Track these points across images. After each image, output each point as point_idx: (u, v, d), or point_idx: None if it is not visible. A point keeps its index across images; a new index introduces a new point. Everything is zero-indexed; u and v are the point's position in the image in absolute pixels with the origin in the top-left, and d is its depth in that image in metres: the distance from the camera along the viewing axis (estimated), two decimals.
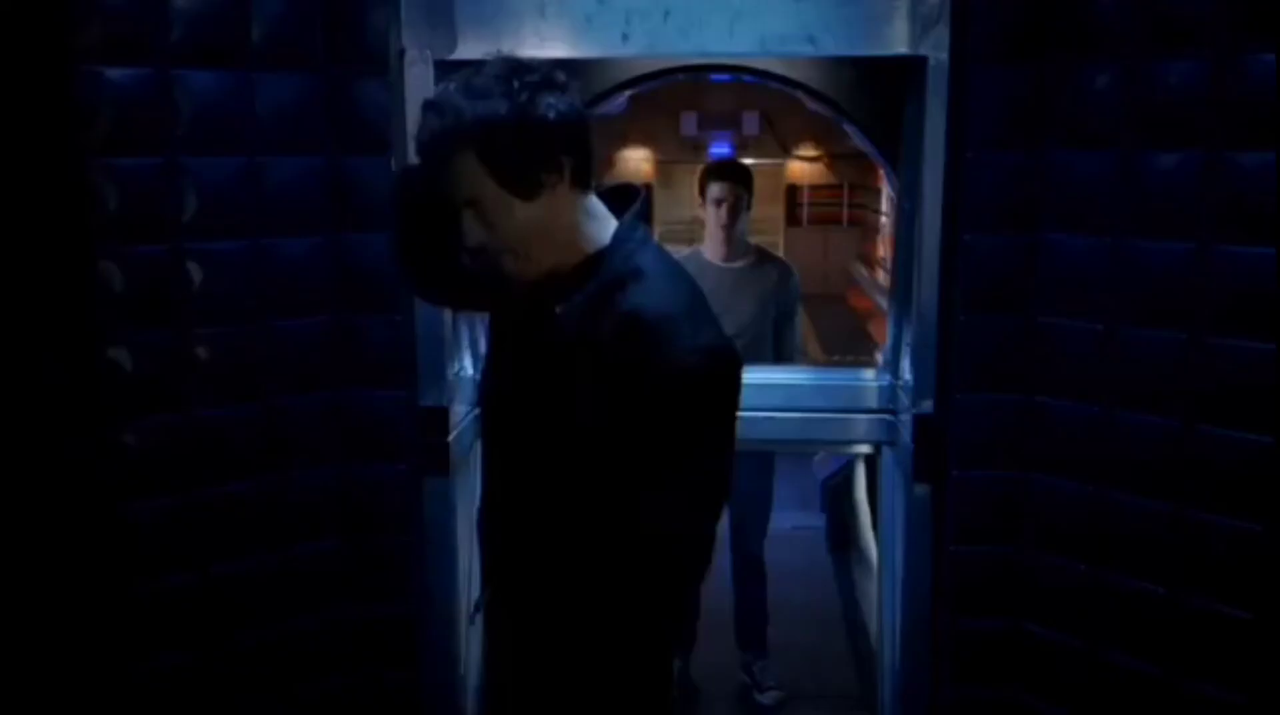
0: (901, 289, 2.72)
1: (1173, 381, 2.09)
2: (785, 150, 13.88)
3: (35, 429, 2.09)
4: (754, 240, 3.86)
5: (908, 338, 2.65)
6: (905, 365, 2.66)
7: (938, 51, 2.34)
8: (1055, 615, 2.33)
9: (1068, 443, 2.27)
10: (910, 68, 2.52)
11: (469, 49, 2.43)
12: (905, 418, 2.60)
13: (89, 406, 2.12)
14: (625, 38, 2.40)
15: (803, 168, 14.72)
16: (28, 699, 2.13)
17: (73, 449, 2.12)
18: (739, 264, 3.70)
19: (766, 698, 3.78)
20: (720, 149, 13.22)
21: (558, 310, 1.61)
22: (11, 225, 2.02)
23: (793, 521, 5.08)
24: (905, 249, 2.65)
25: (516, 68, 1.57)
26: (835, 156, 14.17)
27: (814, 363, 6.48)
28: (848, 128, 3.72)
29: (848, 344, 10.28)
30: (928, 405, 2.46)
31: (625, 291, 1.57)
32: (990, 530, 2.39)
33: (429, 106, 1.59)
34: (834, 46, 2.42)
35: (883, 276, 12.80)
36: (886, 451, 2.85)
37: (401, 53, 2.33)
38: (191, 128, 2.14)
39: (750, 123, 12.89)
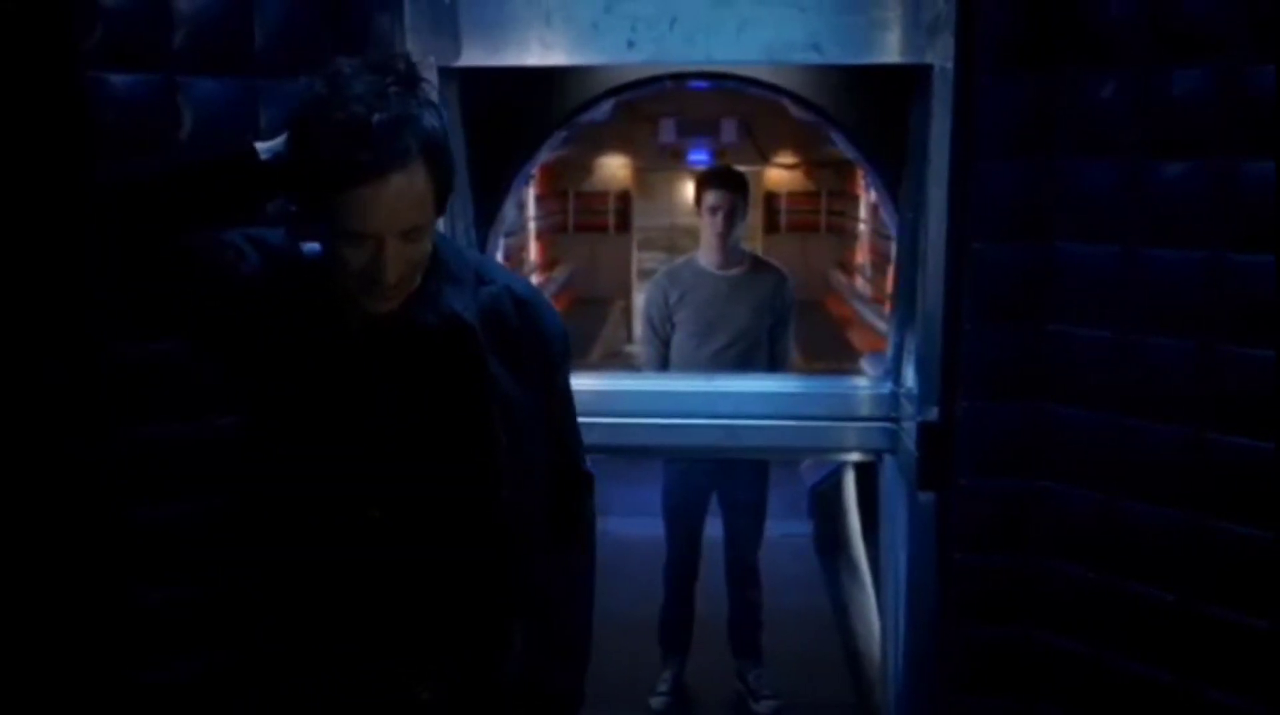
0: (904, 297, 2.72)
1: (1183, 389, 2.10)
2: (764, 158, 13.89)
3: (35, 429, 2.05)
4: None
5: (911, 345, 2.64)
6: (908, 373, 2.66)
7: (943, 60, 2.34)
8: (1065, 624, 2.32)
9: (1077, 451, 2.27)
10: (913, 76, 2.51)
11: (473, 56, 2.41)
12: (909, 425, 2.60)
13: (90, 407, 2.08)
14: (631, 45, 2.38)
15: (781, 175, 14.74)
16: (28, 706, 2.09)
17: (73, 450, 2.08)
18: (734, 272, 3.70)
19: (762, 707, 3.77)
20: (698, 156, 13.17)
21: (459, 310, 1.53)
22: (15, 227, 1.99)
23: (781, 529, 5.07)
24: (908, 257, 2.65)
25: (396, 68, 1.42)
26: (814, 164, 14.20)
27: (795, 369, 6.47)
28: (834, 134, 3.72)
29: (828, 350, 10.31)
30: (933, 413, 2.45)
31: (488, 278, 1.61)
32: (998, 539, 2.38)
33: (358, 119, 1.35)
34: (839, 54, 2.41)
35: (861, 283, 12.84)
36: (888, 460, 2.84)
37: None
38: (194, 135, 2.10)
39: (729, 130, 12.87)
